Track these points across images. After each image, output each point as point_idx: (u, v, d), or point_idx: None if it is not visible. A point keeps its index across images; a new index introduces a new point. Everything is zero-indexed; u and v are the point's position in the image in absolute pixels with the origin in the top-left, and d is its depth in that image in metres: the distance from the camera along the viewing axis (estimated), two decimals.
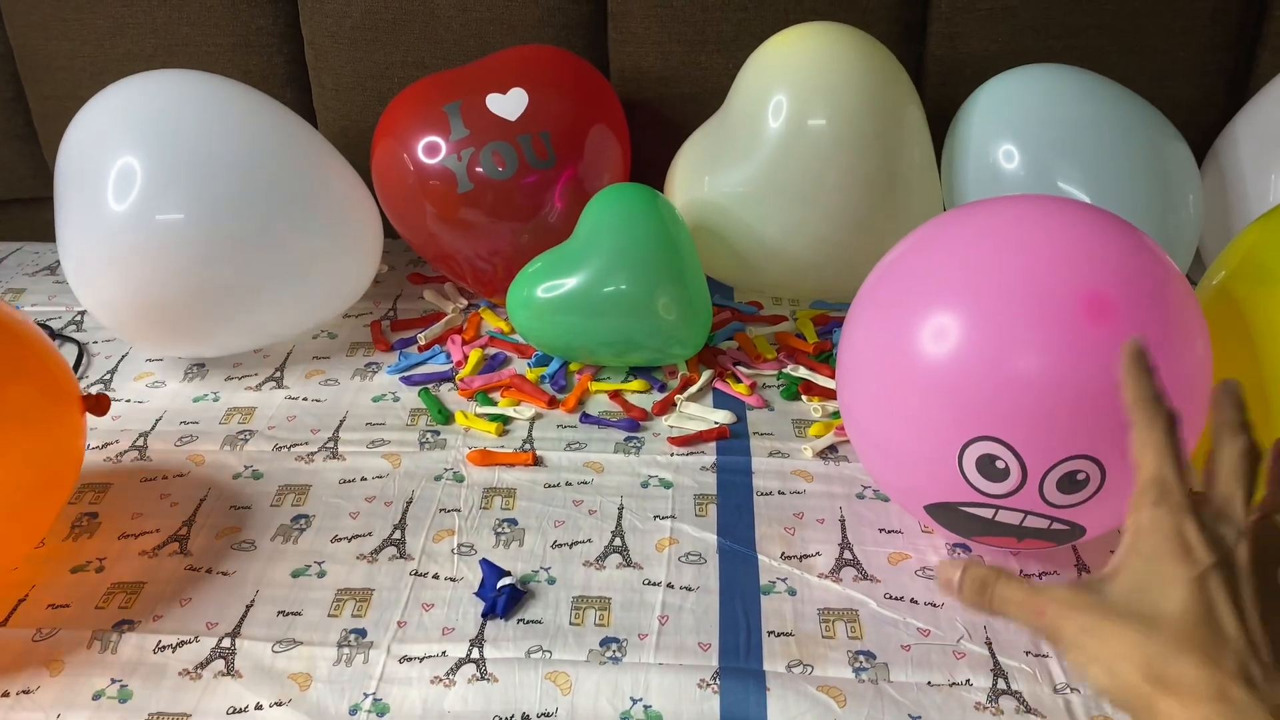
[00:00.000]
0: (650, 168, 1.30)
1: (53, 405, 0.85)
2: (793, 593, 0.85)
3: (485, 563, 0.87)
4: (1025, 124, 1.18)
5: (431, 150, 1.17)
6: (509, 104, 1.17)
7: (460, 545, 0.91)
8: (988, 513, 0.79)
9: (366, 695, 0.76)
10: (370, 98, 1.37)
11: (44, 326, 1.28)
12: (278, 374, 1.18)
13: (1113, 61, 1.28)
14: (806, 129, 1.14)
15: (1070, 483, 0.74)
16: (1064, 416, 0.72)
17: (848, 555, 0.90)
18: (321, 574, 0.88)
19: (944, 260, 0.79)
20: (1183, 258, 1.14)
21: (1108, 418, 0.70)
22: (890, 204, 1.17)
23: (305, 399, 1.13)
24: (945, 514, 0.82)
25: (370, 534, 0.92)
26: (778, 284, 1.27)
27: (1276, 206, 0.90)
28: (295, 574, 0.88)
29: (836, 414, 1.09)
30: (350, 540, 0.92)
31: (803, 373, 1.14)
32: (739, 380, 1.13)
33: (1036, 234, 0.77)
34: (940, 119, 1.26)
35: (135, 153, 1.03)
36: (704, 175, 1.22)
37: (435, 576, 0.87)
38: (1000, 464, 0.75)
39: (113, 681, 0.78)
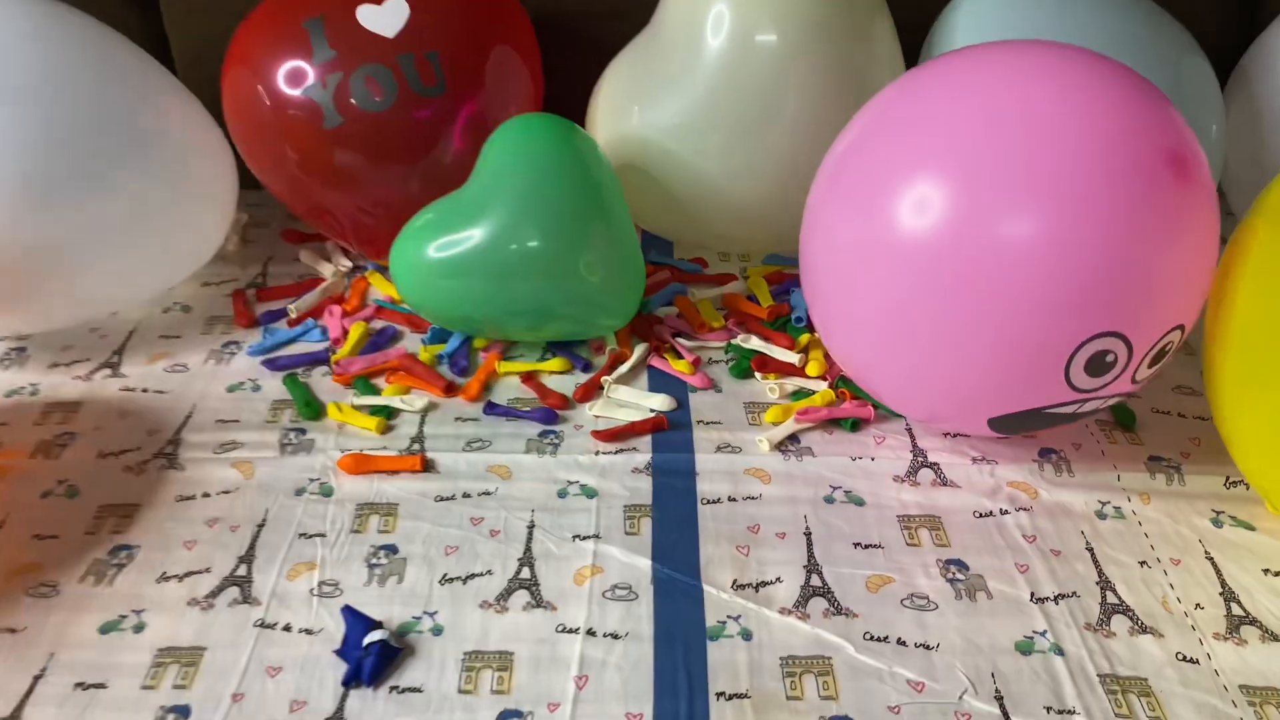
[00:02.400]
0: (568, 98, 1.08)
1: None
2: (747, 636, 0.67)
3: (348, 610, 0.68)
4: (1013, 36, 0.98)
5: (293, 78, 0.95)
6: (385, 16, 0.95)
7: (322, 584, 0.71)
8: (1071, 408, 0.72)
9: None
10: (233, 18, 1.13)
11: None
12: (114, 358, 0.96)
13: None
14: (753, 46, 0.94)
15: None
16: (1162, 293, 0.68)
17: (816, 581, 0.71)
18: (139, 628, 0.68)
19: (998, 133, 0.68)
20: None
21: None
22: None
23: (144, 390, 0.92)
24: (1012, 422, 0.74)
25: (208, 570, 0.73)
26: (724, 236, 1.08)
27: None
28: (105, 629, 0.68)
29: (797, 394, 0.89)
30: (181, 579, 0.72)
31: (756, 344, 0.94)
32: (680, 356, 0.94)
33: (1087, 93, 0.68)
34: (914, 32, 1.06)
35: None
36: (633, 105, 1.02)
37: (286, 628, 0.68)
38: (1110, 358, 0.69)
39: None
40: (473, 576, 0.72)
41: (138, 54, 0.95)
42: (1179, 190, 0.66)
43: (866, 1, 0.98)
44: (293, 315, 1.00)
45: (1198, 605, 0.71)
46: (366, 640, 0.65)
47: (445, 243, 0.89)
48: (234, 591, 0.71)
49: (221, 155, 0.98)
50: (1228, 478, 0.81)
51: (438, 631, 0.67)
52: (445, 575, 0.72)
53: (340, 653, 0.65)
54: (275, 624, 0.68)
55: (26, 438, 0.86)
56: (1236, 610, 0.70)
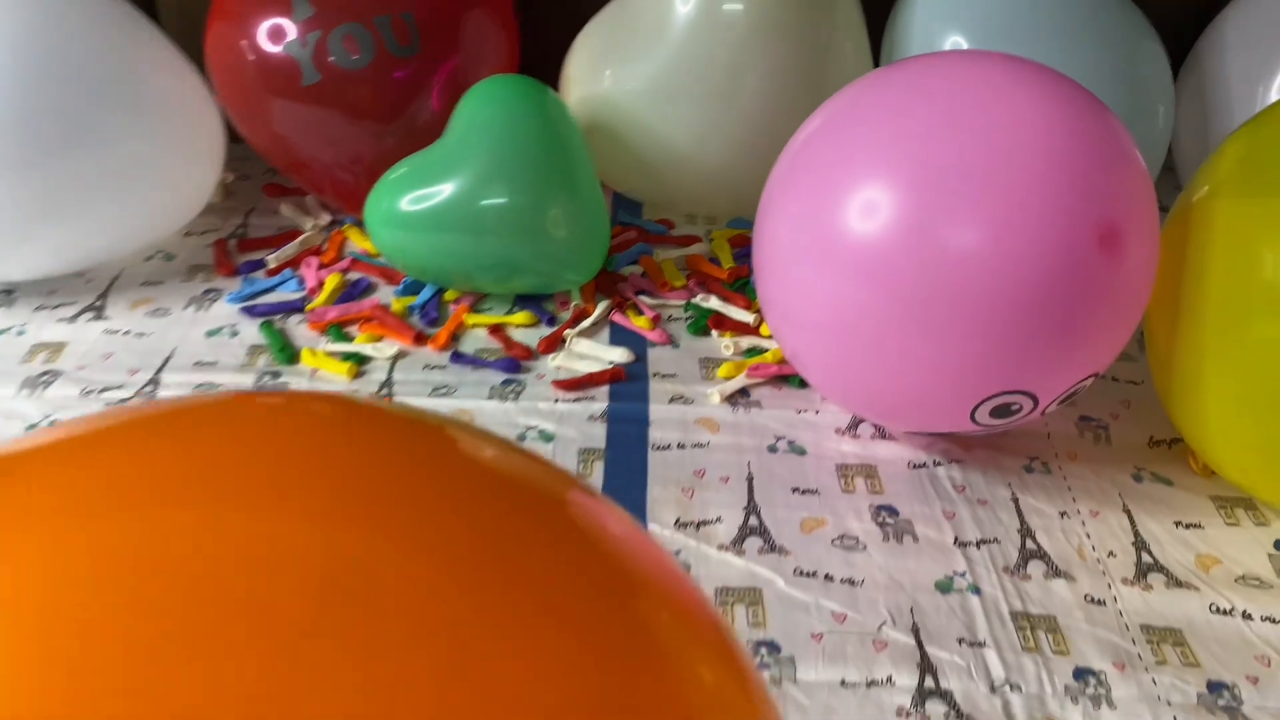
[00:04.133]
0: (543, 61, 1.11)
1: None
2: (686, 568, 0.71)
3: None
4: (975, 12, 1.02)
5: (274, 35, 0.98)
6: None
7: None
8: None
9: None
10: None
11: None
12: (99, 303, 1.00)
13: None
14: (720, 14, 0.97)
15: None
16: (1077, 356, 0.72)
17: (754, 521, 0.76)
18: None
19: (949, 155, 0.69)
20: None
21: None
22: (818, 104, 1.00)
23: (127, 332, 0.96)
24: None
25: None
26: (690, 197, 1.11)
27: (1263, 111, 0.76)
28: None
29: (750, 352, 0.94)
30: None
31: (714, 303, 0.98)
32: (640, 312, 0.98)
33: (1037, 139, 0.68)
34: (878, 5, 1.09)
35: None
36: (604, 69, 1.05)
37: None
38: (1016, 407, 0.73)
39: None
40: None
41: (124, 8, 0.98)
42: (1108, 261, 0.67)
43: None
44: (271, 265, 1.04)
45: (1110, 553, 0.75)
46: None
47: (417, 196, 0.92)
48: None
49: (205, 111, 1.01)
50: (1151, 437, 0.86)
51: None
52: None
53: None
54: None
55: (13, 373, 0.90)
56: (1146, 558, 0.75)
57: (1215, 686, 0.65)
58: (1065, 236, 0.66)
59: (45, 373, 0.90)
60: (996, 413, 0.73)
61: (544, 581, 0.23)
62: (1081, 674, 0.66)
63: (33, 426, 0.84)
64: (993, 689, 0.64)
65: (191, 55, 1.02)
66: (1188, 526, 0.78)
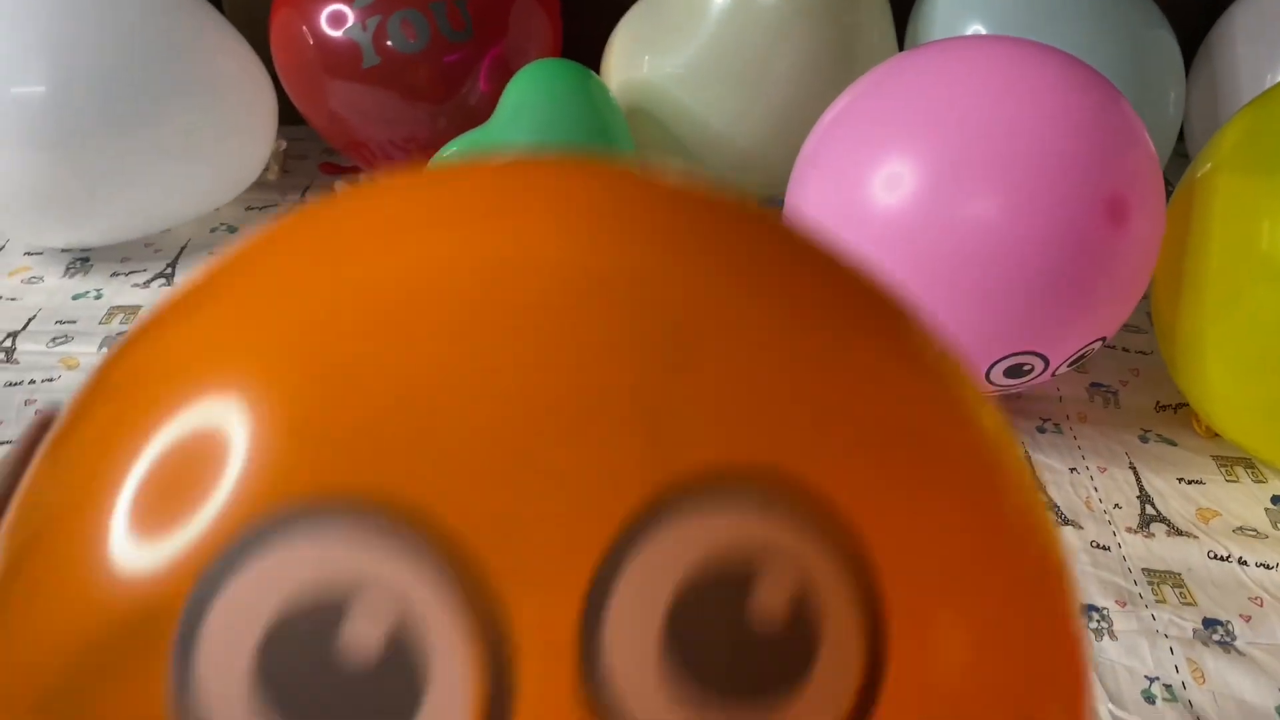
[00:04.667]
0: (585, 45, 1.17)
1: None
2: None
3: None
4: (996, 4, 1.07)
5: (335, 20, 1.04)
6: None
7: None
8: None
9: None
10: None
11: None
12: (169, 270, 1.07)
13: None
14: (754, 3, 1.03)
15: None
16: (1086, 320, 0.77)
17: None
18: None
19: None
20: (1159, 155, 1.05)
21: None
22: (845, 88, 1.06)
23: None
24: None
25: None
26: (725, 179, 1.16)
27: (1265, 92, 0.81)
28: None
29: None
30: None
31: None
32: None
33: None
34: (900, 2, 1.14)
35: None
36: (644, 54, 1.11)
37: None
38: (1028, 368, 0.77)
39: None
40: None
41: None
42: (1115, 233, 0.72)
43: None
44: None
45: (1116, 505, 0.81)
46: None
47: None
48: None
49: (263, 90, 1.08)
50: (1158, 402, 0.91)
51: None
52: None
53: None
54: None
55: (93, 333, 0.97)
56: (1150, 510, 0.80)
57: (1210, 623, 0.70)
58: (1074, 208, 0.72)
59: (122, 332, 0.97)
60: (1010, 372, 0.79)
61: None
62: (1086, 610, 0.71)
63: None
64: None
65: (255, 39, 1.08)
66: (1190, 482, 0.83)
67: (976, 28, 1.06)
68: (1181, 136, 1.14)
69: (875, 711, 0.17)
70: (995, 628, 0.21)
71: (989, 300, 0.74)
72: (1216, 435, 0.86)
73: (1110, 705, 0.65)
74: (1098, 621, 0.70)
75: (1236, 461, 0.85)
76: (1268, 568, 0.75)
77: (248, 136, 1.07)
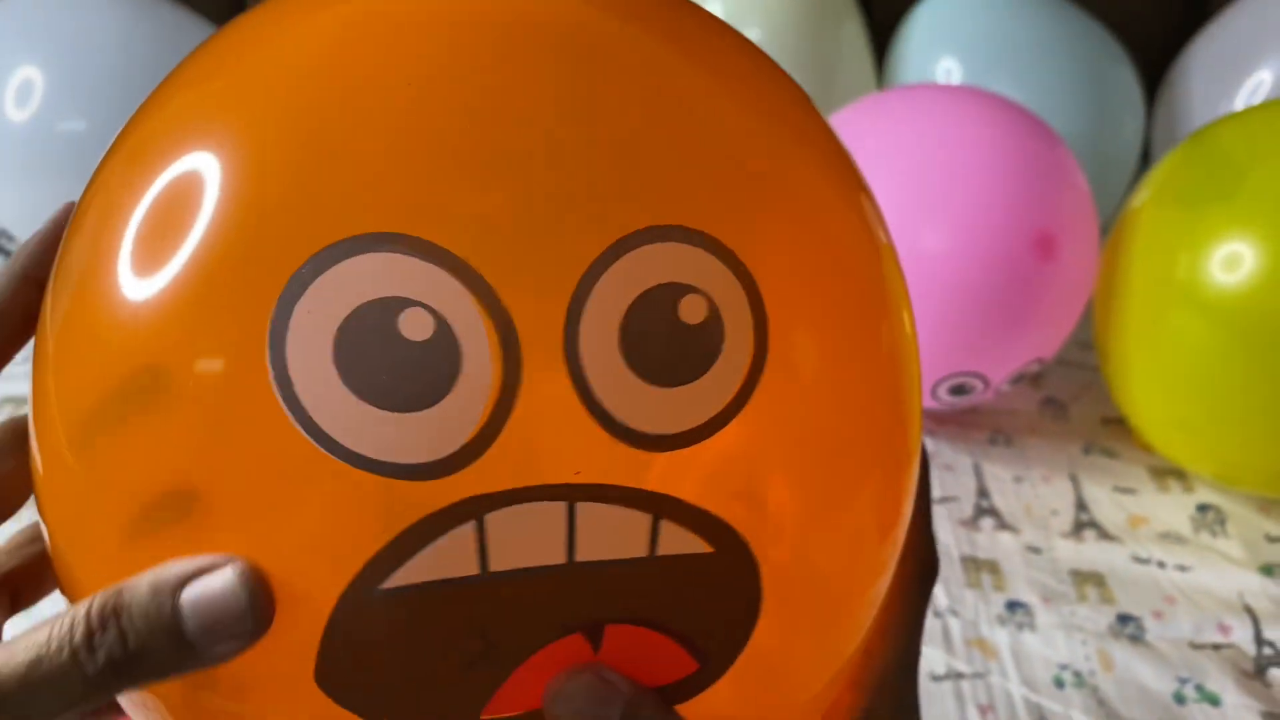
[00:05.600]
0: None
1: None
2: None
3: None
4: (966, 42, 1.15)
5: None
6: None
7: None
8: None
9: None
10: None
11: None
12: None
13: None
14: None
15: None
16: (1023, 342, 0.86)
17: None
18: None
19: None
20: (1116, 185, 1.12)
21: None
22: None
23: None
24: None
25: None
26: None
27: (1196, 131, 0.88)
28: None
29: None
30: None
31: None
32: None
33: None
34: (880, 38, 1.22)
35: (33, 60, 1.01)
36: None
37: None
38: (970, 386, 0.87)
39: None
40: None
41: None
42: (1044, 265, 0.81)
43: (838, 7, 1.15)
44: None
45: (1054, 511, 0.88)
46: None
47: None
48: None
49: None
50: (1104, 416, 0.98)
51: None
52: None
53: None
54: None
55: None
56: (1083, 516, 0.88)
57: (1124, 619, 0.78)
58: (1006, 241, 0.80)
59: None
60: (954, 391, 0.87)
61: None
62: (1012, 605, 0.79)
63: None
64: (936, 614, 0.78)
65: None
66: (1124, 491, 0.90)
67: (949, 65, 1.13)
68: (1148, 165, 1.21)
69: (758, 387, 0.23)
70: (846, 357, 0.27)
71: (931, 324, 0.82)
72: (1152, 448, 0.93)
73: (1023, 688, 0.72)
74: (1022, 615, 0.78)
75: (1169, 473, 0.92)
76: (1183, 569, 0.82)
77: None
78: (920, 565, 0.31)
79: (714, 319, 0.23)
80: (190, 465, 0.23)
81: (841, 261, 0.27)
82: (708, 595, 0.24)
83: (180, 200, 0.23)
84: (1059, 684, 0.73)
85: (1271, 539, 0.85)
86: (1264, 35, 1.13)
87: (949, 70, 1.13)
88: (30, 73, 1.01)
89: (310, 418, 0.21)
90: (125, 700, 0.27)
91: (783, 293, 0.24)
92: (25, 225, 1.08)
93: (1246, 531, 0.85)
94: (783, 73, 0.29)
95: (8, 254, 1.23)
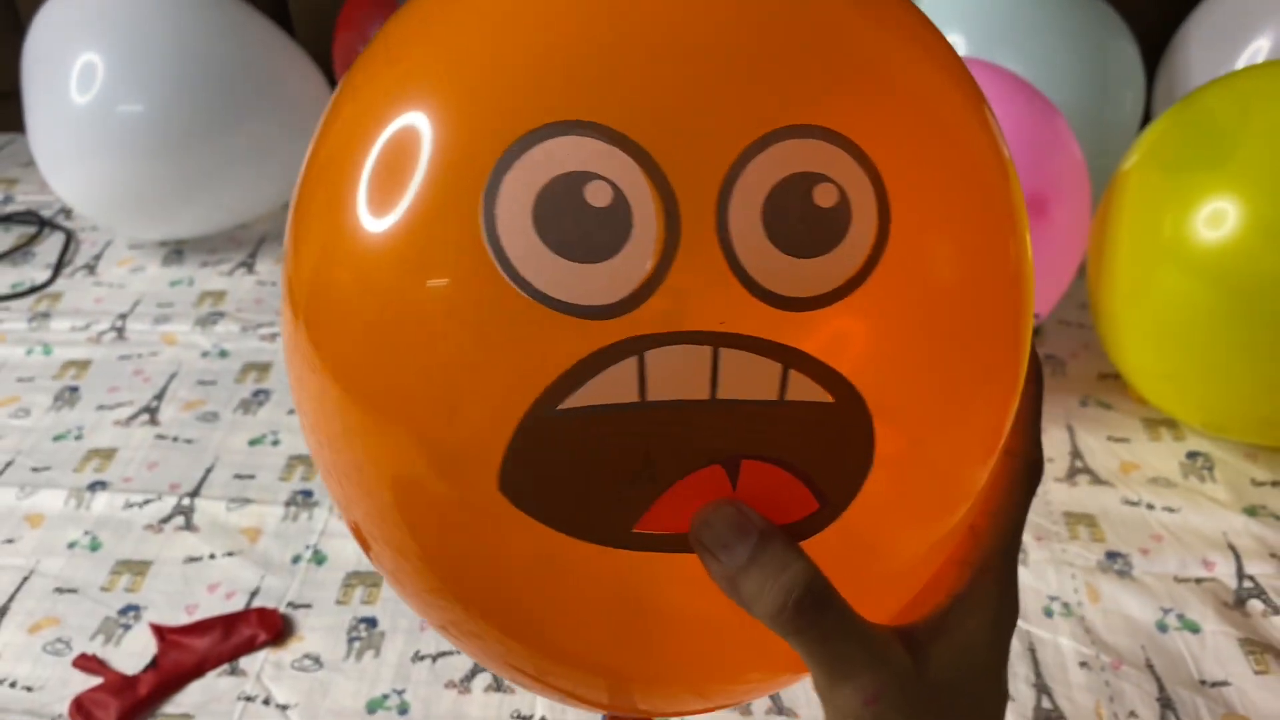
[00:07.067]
0: None
1: None
2: None
3: None
4: (970, 16, 1.19)
5: None
6: None
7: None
8: None
9: (308, 547, 0.85)
10: None
11: (34, 214, 1.34)
12: (249, 259, 1.24)
13: None
14: None
15: None
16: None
17: None
18: (276, 443, 0.96)
19: None
20: (1117, 155, 1.16)
21: None
22: None
23: (273, 284, 1.20)
24: None
25: None
26: None
27: (1185, 97, 0.93)
28: (253, 442, 0.96)
29: None
30: None
31: None
32: None
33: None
34: None
35: (95, 47, 1.08)
36: None
37: None
38: None
39: (85, 534, 0.86)
40: (443, 655, 0.75)
41: (259, 20, 1.21)
42: (1036, 225, 0.86)
43: None
44: None
45: (1050, 459, 0.93)
46: None
47: None
48: None
49: (327, 102, 1.24)
50: (1100, 372, 1.03)
51: (404, 710, 0.72)
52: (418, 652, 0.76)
53: None
54: None
55: (188, 314, 1.15)
56: (1078, 463, 0.93)
57: (1112, 555, 0.83)
58: None
59: (212, 313, 1.15)
60: None
61: None
62: None
63: (205, 354, 1.08)
64: None
65: (321, 59, 1.25)
66: (1118, 440, 0.95)
67: (953, 36, 1.18)
68: None
69: (879, 266, 0.28)
70: (970, 259, 0.30)
71: None
72: (1146, 401, 0.98)
73: None
74: None
75: (1161, 423, 0.97)
76: (1171, 510, 0.87)
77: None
78: (1027, 465, 0.34)
79: (843, 205, 0.27)
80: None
81: (971, 173, 0.31)
82: (828, 440, 0.28)
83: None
84: (1048, 613, 0.79)
85: (1257, 483, 0.90)
86: (1262, 5, 1.16)
87: (953, 44, 1.17)
88: (92, 58, 1.08)
89: (512, 265, 0.26)
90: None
91: (908, 191, 0.28)
92: (87, 202, 1.16)
93: (1233, 476, 0.91)
94: (913, 3, 0.34)
95: (66, 230, 1.31)
